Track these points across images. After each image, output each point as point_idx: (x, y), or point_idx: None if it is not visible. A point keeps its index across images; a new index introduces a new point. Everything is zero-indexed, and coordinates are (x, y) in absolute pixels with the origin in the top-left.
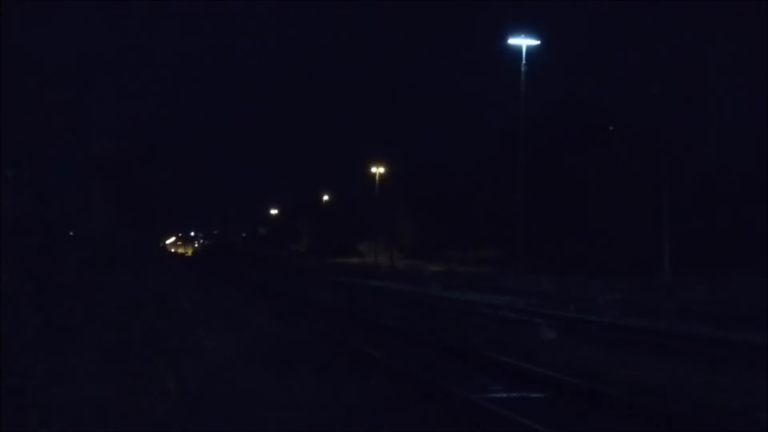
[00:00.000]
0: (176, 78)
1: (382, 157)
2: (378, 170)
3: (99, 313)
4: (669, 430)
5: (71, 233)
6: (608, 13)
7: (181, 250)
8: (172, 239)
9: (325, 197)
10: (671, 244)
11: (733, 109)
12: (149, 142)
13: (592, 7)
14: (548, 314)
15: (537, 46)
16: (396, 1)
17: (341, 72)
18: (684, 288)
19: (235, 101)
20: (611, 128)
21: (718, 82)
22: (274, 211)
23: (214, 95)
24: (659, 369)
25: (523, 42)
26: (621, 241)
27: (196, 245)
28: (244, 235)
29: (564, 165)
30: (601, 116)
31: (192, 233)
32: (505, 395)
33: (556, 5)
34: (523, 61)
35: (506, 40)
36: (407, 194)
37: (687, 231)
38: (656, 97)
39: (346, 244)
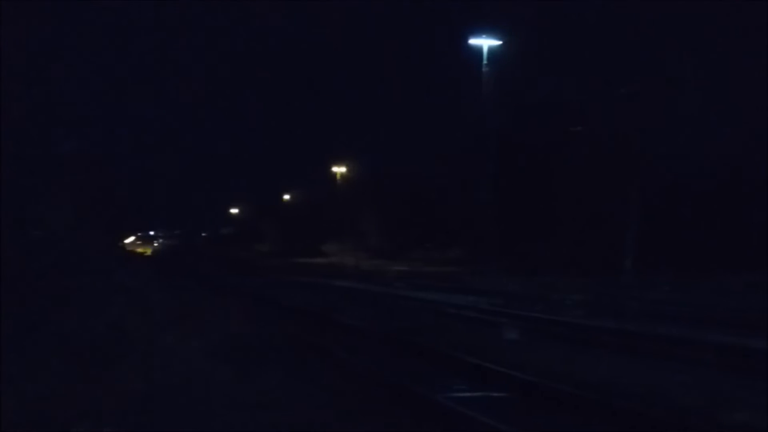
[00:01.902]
0: (135, 80)
1: (345, 157)
2: (339, 170)
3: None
4: (633, 429)
5: (26, 233)
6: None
7: (140, 250)
8: (132, 239)
9: (287, 197)
10: (637, 246)
11: (703, 111)
12: (110, 143)
13: (566, 7)
14: (513, 314)
15: (499, 45)
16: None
17: (306, 72)
18: (648, 289)
19: (197, 100)
20: (579, 128)
21: (687, 86)
22: (234, 210)
23: (175, 95)
24: (622, 368)
25: (484, 42)
26: (588, 242)
27: (156, 245)
28: (204, 234)
29: (531, 166)
30: (569, 117)
31: (151, 233)
32: (468, 395)
33: (530, 5)
34: (485, 62)
35: (467, 40)
36: (373, 195)
37: (654, 233)
38: (625, 98)
39: (311, 245)
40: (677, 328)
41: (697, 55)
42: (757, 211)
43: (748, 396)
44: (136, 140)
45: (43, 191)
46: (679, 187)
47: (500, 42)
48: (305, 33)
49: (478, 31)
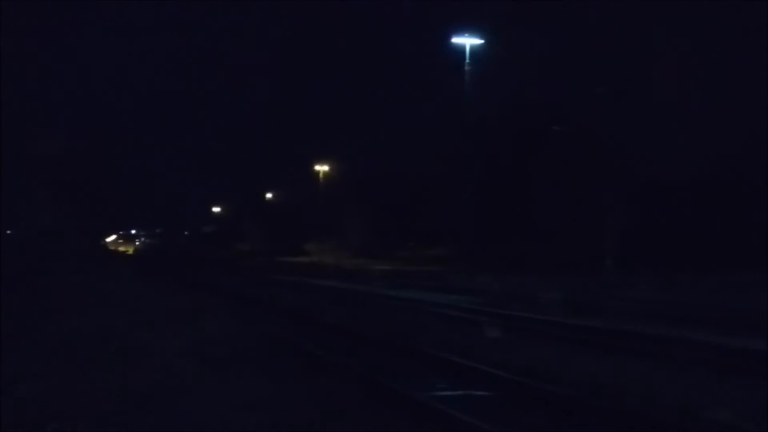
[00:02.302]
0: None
1: (328, 156)
2: (322, 168)
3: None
4: (612, 427)
5: (9, 232)
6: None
7: (122, 249)
8: (113, 237)
9: (269, 195)
10: (622, 245)
11: (682, 110)
12: (92, 145)
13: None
14: (493, 313)
15: (482, 45)
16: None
17: (291, 71)
18: (627, 288)
19: (181, 99)
20: (556, 128)
21: (666, 86)
22: (216, 209)
23: (155, 94)
24: (602, 366)
25: (467, 41)
26: (571, 241)
27: (137, 243)
28: (186, 233)
29: (513, 165)
30: (549, 117)
31: (133, 231)
32: (449, 393)
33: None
34: (467, 60)
35: (450, 39)
36: (356, 194)
37: (641, 230)
38: (602, 98)
39: (293, 244)
40: (654, 327)
41: (694, 54)
42: (751, 210)
43: (720, 392)
44: (117, 140)
45: (21, 191)
46: (668, 187)
47: (482, 41)
48: (282, 31)
49: (463, 30)
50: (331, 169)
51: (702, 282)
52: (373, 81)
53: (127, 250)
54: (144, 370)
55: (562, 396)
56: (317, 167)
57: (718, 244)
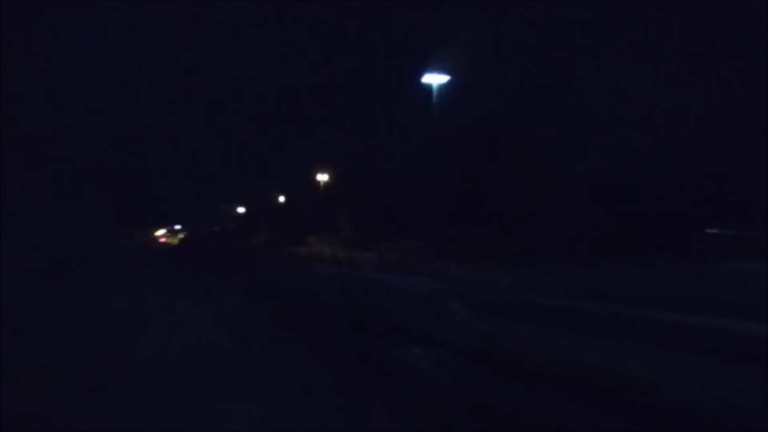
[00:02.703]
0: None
1: (326, 168)
2: (322, 179)
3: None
4: (546, 381)
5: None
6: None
7: (169, 240)
8: (163, 231)
9: (281, 198)
10: (565, 238)
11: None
12: (141, 156)
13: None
14: (457, 292)
15: (448, 81)
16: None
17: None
18: (568, 273)
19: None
20: (505, 144)
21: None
22: (241, 210)
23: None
24: (543, 336)
25: (434, 79)
26: (521, 234)
27: (180, 237)
28: (217, 229)
29: (472, 176)
30: (503, 133)
31: (177, 227)
32: (430, 366)
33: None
34: (434, 95)
35: (421, 77)
36: (347, 199)
37: (578, 226)
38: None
39: (298, 237)
40: (573, 301)
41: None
42: (666, 204)
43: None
44: (163, 155)
45: (93, 198)
46: (598, 188)
47: (448, 78)
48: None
49: (431, 69)
50: (329, 179)
51: (618, 267)
52: (364, 109)
53: (173, 241)
54: (184, 331)
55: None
56: (318, 177)
57: (633, 235)
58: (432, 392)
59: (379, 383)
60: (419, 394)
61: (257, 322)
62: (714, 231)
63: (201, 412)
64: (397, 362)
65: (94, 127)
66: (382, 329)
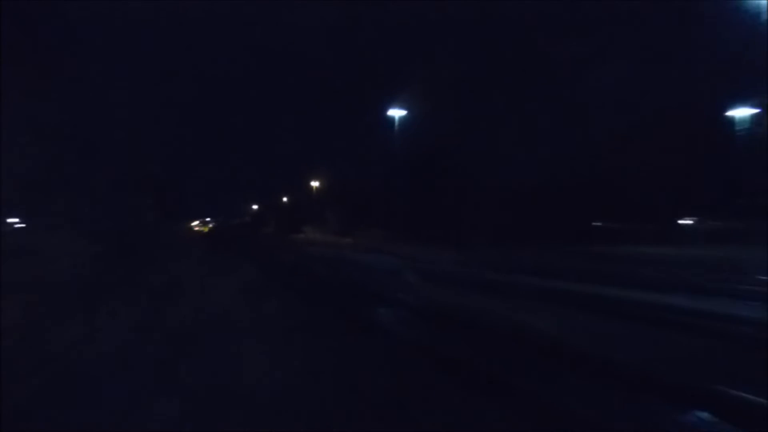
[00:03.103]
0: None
1: (319, 173)
2: (315, 183)
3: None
4: (473, 329)
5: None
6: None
7: (201, 229)
8: (196, 222)
9: (285, 198)
10: (488, 229)
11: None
12: (179, 168)
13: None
14: (413, 268)
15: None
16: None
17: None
18: (492, 252)
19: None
20: (448, 161)
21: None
22: (254, 207)
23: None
24: (480, 299)
25: (396, 113)
26: (457, 226)
27: (210, 226)
28: (237, 221)
29: (424, 183)
30: (444, 152)
31: (207, 219)
32: (389, 316)
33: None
34: (395, 127)
35: (386, 111)
36: (335, 197)
37: (498, 220)
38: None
39: (296, 228)
40: (491, 274)
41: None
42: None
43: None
44: (195, 166)
45: (144, 200)
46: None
47: (405, 112)
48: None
49: (393, 105)
50: (319, 185)
51: (526, 250)
52: (347, 134)
53: (204, 230)
54: (212, 295)
55: (454, 315)
56: (312, 183)
57: (539, 227)
58: (389, 334)
59: (354, 328)
60: (380, 334)
61: (267, 286)
62: (599, 224)
63: (229, 335)
64: (365, 314)
65: (147, 148)
66: (356, 292)
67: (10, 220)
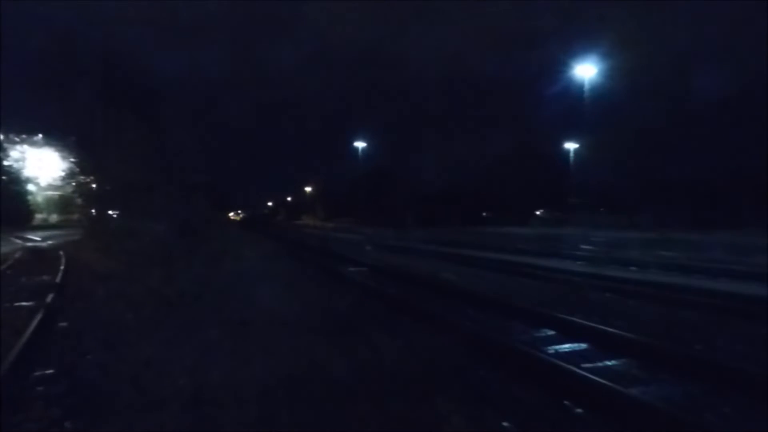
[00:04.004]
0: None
1: (311, 180)
2: (308, 188)
3: (202, 242)
4: (413, 281)
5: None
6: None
7: (235, 218)
8: (232, 214)
9: (288, 198)
10: (421, 215)
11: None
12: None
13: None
14: (371, 241)
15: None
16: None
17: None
18: (420, 232)
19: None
20: (395, 175)
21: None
22: (269, 203)
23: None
24: (409, 260)
25: (359, 144)
26: (399, 214)
27: (241, 216)
28: (259, 213)
29: (378, 188)
30: (391, 169)
31: (239, 211)
32: (353, 269)
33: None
34: (360, 152)
35: (352, 142)
36: (320, 197)
37: (426, 210)
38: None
39: (297, 216)
40: (426, 245)
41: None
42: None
43: (448, 268)
44: (228, 171)
45: (191, 200)
46: (435, 192)
47: (365, 144)
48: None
49: (357, 139)
50: (311, 189)
51: (446, 229)
52: (329, 156)
53: (237, 219)
54: (244, 260)
55: (389, 269)
56: (306, 187)
57: (454, 214)
58: (356, 283)
59: (333, 279)
60: (351, 283)
61: (278, 253)
62: (486, 214)
63: (254, 280)
64: (341, 271)
65: (209, 162)
66: (335, 257)
67: (110, 212)
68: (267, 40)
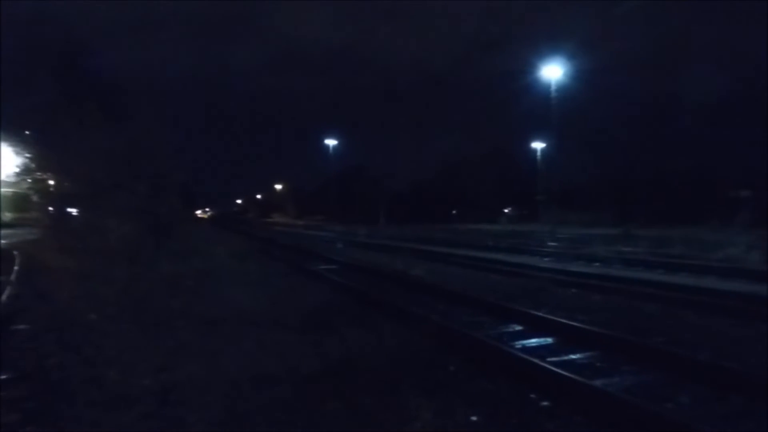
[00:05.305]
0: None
1: (281, 178)
2: (278, 186)
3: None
4: (385, 277)
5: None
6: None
7: (203, 216)
8: (199, 212)
9: (258, 196)
10: (389, 213)
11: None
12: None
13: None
14: (341, 239)
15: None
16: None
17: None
18: (390, 229)
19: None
20: (365, 173)
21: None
22: (238, 201)
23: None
24: (380, 257)
25: (330, 142)
26: (368, 212)
27: (209, 214)
28: (227, 211)
29: (349, 187)
30: (361, 168)
31: (207, 209)
32: (324, 267)
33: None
34: (330, 151)
35: (324, 140)
36: (290, 196)
37: (392, 209)
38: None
39: (266, 214)
40: (397, 242)
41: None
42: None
43: (412, 264)
44: (196, 169)
45: (163, 196)
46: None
47: (336, 142)
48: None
49: (327, 136)
50: (281, 187)
51: (411, 227)
52: (297, 155)
53: (205, 216)
54: (215, 258)
55: (361, 266)
56: (276, 185)
57: (417, 212)
58: (322, 276)
59: (305, 275)
60: (322, 279)
61: (250, 251)
62: (455, 211)
63: (226, 278)
64: (312, 267)
65: (176, 158)
66: (306, 253)
67: (69, 209)
68: (236, 39)
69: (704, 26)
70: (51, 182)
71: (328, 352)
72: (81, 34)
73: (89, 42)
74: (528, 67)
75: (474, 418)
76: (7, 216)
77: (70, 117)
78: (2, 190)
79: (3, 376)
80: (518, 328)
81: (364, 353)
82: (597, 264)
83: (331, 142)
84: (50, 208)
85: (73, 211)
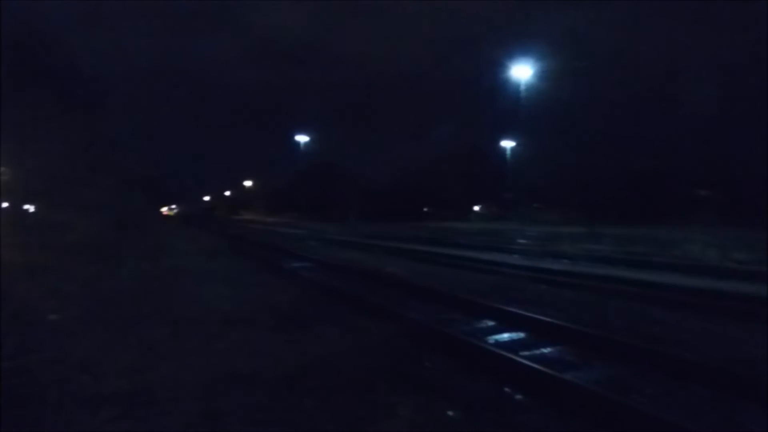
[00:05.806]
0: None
1: (250, 175)
2: (248, 182)
3: (136, 237)
4: (358, 275)
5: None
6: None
7: (169, 213)
8: (165, 209)
9: (227, 193)
10: (360, 210)
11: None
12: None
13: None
14: (314, 236)
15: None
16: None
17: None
18: (362, 227)
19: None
20: (337, 170)
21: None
22: (206, 198)
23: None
24: (352, 254)
25: (301, 138)
26: (340, 210)
27: (175, 211)
28: (195, 208)
29: (322, 184)
30: (334, 165)
31: (173, 206)
32: (297, 264)
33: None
34: (301, 147)
35: (294, 136)
36: (260, 193)
37: (365, 206)
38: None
39: (236, 211)
40: (369, 240)
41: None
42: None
43: (391, 262)
44: (162, 165)
45: (127, 192)
46: (378, 190)
47: (308, 138)
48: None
49: (298, 132)
50: (252, 184)
51: (385, 225)
52: (268, 150)
53: (171, 214)
54: (177, 257)
55: (333, 264)
56: (246, 182)
57: (390, 210)
58: (296, 274)
59: (277, 274)
60: (295, 277)
61: (220, 248)
62: (427, 209)
63: (196, 275)
64: (285, 265)
65: (140, 152)
66: (278, 251)
67: (25, 207)
68: (203, 34)
69: (674, 27)
70: (4, 177)
71: (304, 349)
72: (41, 20)
73: (49, 29)
74: (500, 66)
75: (450, 413)
76: None
77: (27, 108)
78: None
79: None
80: (491, 323)
81: (339, 350)
82: (565, 261)
83: (302, 139)
84: (5, 204)
85: (31, 207)
